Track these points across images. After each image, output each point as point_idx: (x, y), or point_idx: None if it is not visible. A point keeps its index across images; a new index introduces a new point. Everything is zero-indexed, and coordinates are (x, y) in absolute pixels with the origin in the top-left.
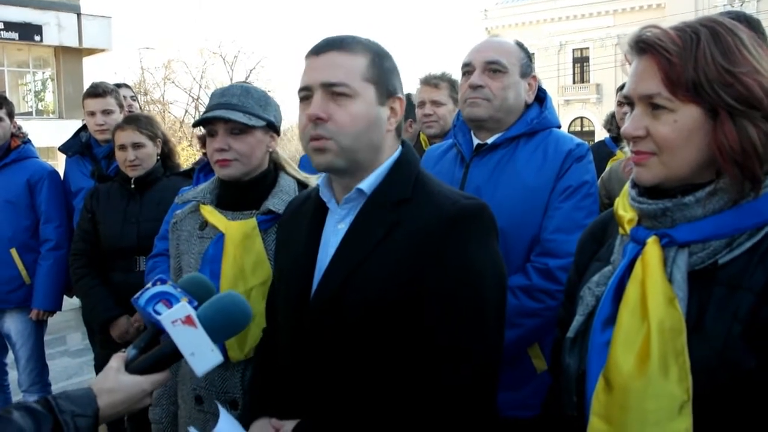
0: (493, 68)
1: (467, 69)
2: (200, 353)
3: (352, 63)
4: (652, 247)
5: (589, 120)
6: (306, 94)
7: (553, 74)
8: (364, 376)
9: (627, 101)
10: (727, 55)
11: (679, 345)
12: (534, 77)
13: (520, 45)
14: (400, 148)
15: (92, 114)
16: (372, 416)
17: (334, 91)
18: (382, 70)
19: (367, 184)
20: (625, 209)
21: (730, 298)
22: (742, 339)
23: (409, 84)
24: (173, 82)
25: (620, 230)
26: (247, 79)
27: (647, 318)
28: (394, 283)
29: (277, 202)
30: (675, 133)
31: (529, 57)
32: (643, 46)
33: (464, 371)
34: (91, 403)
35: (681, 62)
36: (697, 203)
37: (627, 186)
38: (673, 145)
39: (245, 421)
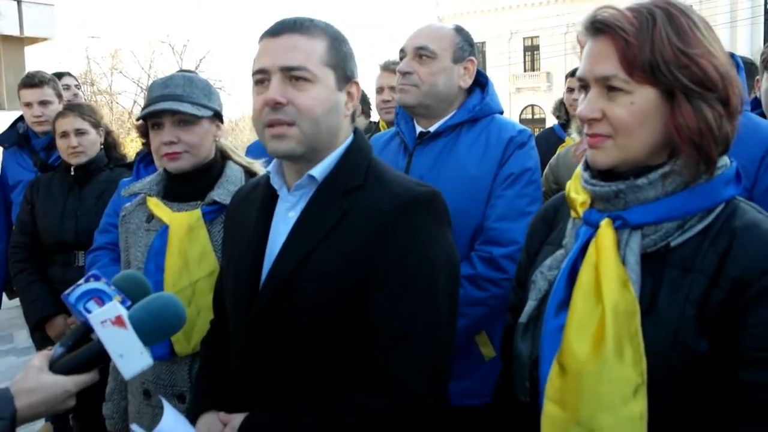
0: (421, 54)
1: (401, 55)
2: (129, 355)
3: (312, 46)
4: (606, 230)
5: (540, 108)
6: (262, 77)
7: (503, 63)
8: (315, 365)
9: (582, 83)
10: (682, 36)
11: (633, 328)
12: (471, 61)
13: (458, 30)
14: (352, 134)
15: (29, 105)
16: (322, 407)
17: (293, 75)
18: (340, 55)
19: (319, 170)
20: (577, 192)
21: (682, 281)
22: (694, 322)
23: (362, 71)
24: (121, 72)
25: (572, 213)
26: (196, 68)
27: (601, 301)
28: (345, 271)
29: (222, 192)
30: (631, 116)
31: (469, 41)
32: (600, 26)
33: (416, 358)
34: (7, 406)
35: (638, 43)
36: (650, 185)
37: (579, 168)
38: (630, 127)
39: (192, 414)
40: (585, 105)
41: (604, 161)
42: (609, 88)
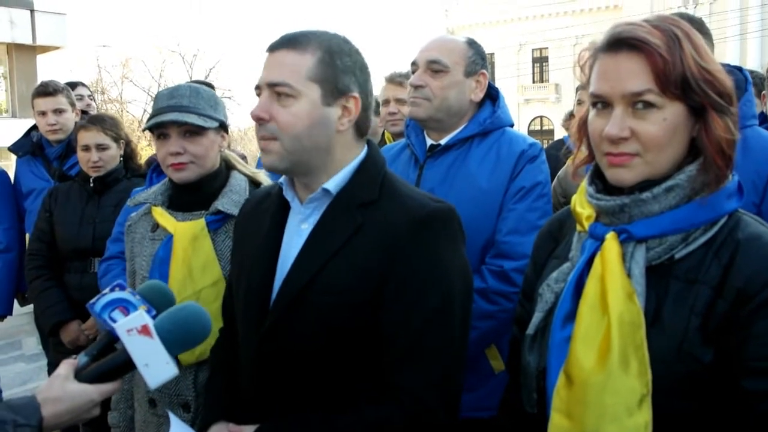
0: (434, 68)
1: (413, 68)
2: (155, 365)
3: (299, 62)
4: (611, 243)
5: (549, 119)
6: (258, 92)
7: (512, 74)
8: (325, 377)
9: (599, 101)
10: (700, 53)
11: (638, 339)
12: (483, 74)
13: (470, 43)
14: (366, 148)
15: (43, 114)
16: (333, 420)
17: (277, 90)
18: (332, 69)
19: (334, 184)
20: (582, 206)
21: (687, 292)
22: (699, 333)
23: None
24: (131, 80)
25: (578, 227)
26: (206, 77)
27: (607, 313)
28: (358, 286)
29: (227, 202)
30: (663, 132)
31: (481, 55)
32: (634, 42)
33: (428, 373)
34: (34, 413)
35: (672, 59)
36: (654, 199)
37: (584, 183)
38: (661, 143)
39: (202, 424)
40: (612, 124)
41: (630, 178)
42: (637, 105)
